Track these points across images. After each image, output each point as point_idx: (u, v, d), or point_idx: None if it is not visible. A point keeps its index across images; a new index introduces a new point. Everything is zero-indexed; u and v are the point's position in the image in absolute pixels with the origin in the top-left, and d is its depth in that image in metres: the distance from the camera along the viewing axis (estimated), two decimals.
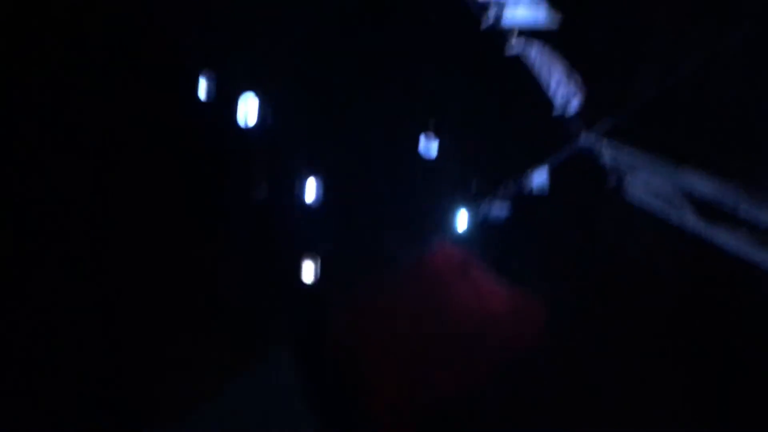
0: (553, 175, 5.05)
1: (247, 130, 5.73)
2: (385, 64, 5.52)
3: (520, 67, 4.79)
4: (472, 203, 5.39)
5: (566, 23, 4.46)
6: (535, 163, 5.08)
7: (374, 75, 5.53)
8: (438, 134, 5.61)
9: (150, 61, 5.66)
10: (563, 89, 4.74)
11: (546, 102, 4.81)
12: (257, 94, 5.69)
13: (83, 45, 5.43)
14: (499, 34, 4.74)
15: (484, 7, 4.67)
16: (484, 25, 4.71)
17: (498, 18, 4.66)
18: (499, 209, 5.19)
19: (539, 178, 5.04)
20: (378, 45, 5.53)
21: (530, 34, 4.67)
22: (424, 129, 5.62)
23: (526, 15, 4.58)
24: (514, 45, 4.75)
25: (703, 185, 4.41)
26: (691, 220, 4.57)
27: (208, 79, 5.69)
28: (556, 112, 4.82)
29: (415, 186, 5.68)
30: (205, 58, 5.68)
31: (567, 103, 4.78)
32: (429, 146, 5.66)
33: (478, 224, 5.27)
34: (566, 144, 4.95)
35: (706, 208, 4.46)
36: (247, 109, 5.71)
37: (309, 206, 5.74)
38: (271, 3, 5.57)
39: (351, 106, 5.62)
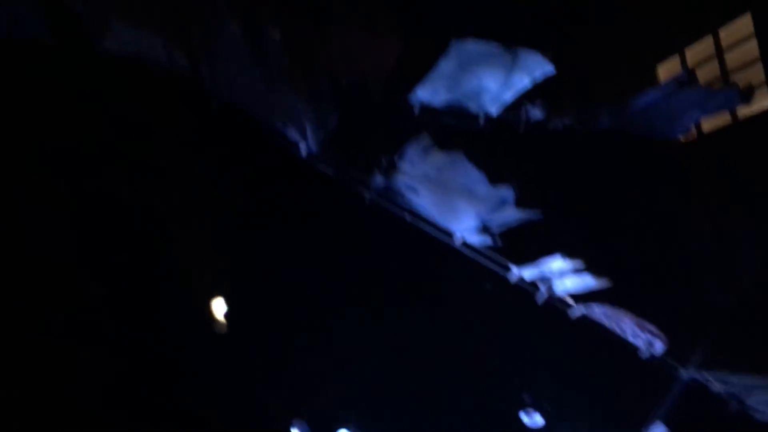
0: (672, 422, 4.78)
1: None
2: (462, 360, 5.54)
3: (590, 327, 4.72)
4: None
5: (616, 282, 4.46)
6: (648, 415, 4.85)
7: (455, 373, 5.53)
8: (537, 406, 5.48)
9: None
10: (641, 336, 4.62)
11: (631, 351, 4.68)
12: (350, 428, 5.71)
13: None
14: (558, 303, 4.75)
15: (534, 285, 4.73)
16: (539, 300, 4.73)
17: (551, 291, 4.70)
18: None
19: (659, 429, 4.79)
20: (454, 342, 5.58)
21: (586, 297, 4.66)
22: (522, 406, 5.51)
23: (575, 283, 4.61)
24: (576, 309, 4.73)
25: None
26: None
27: (299, 427, 5.77)
28: (644, 357, 4.67)
29: None
30: (293, 407, 5.79)
31: (650, 346, 4.64)
32: (533, 419, 5.51)
33: None
34: (670, 386, 4.74)
35: None
36: None
37: None
38: (344, 338, 5.75)
39: (442, 407, 5.58)
